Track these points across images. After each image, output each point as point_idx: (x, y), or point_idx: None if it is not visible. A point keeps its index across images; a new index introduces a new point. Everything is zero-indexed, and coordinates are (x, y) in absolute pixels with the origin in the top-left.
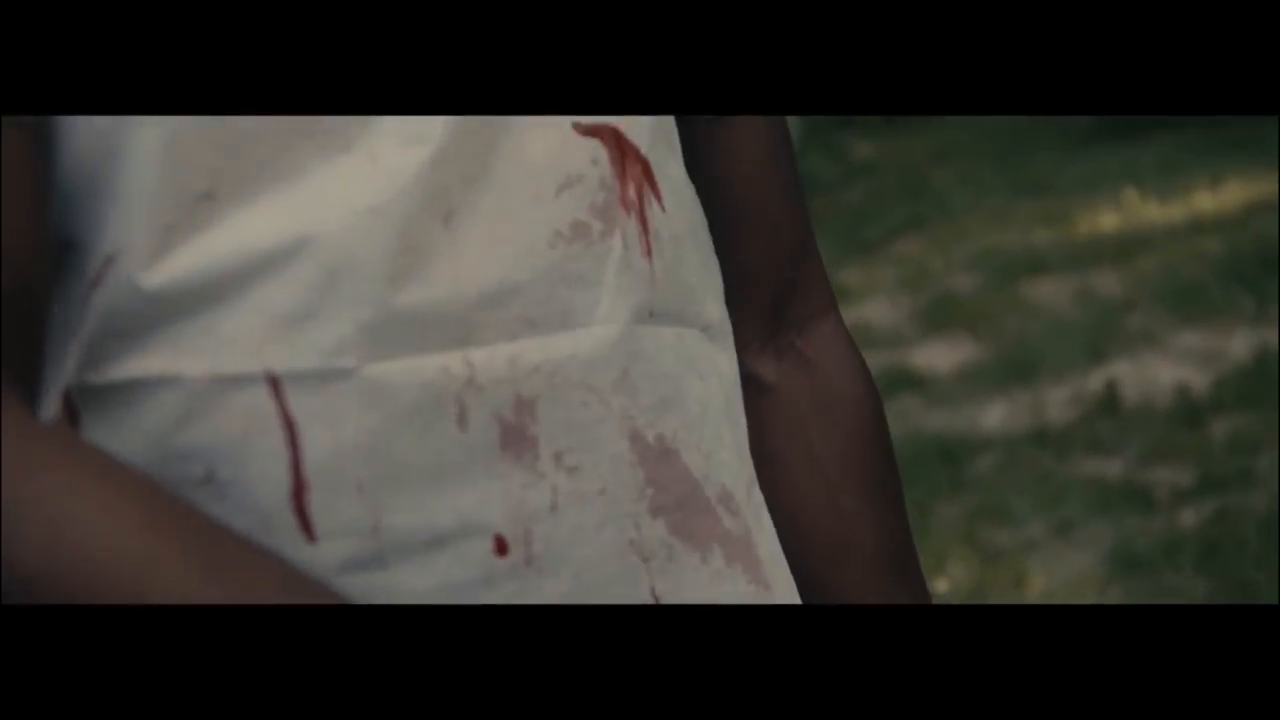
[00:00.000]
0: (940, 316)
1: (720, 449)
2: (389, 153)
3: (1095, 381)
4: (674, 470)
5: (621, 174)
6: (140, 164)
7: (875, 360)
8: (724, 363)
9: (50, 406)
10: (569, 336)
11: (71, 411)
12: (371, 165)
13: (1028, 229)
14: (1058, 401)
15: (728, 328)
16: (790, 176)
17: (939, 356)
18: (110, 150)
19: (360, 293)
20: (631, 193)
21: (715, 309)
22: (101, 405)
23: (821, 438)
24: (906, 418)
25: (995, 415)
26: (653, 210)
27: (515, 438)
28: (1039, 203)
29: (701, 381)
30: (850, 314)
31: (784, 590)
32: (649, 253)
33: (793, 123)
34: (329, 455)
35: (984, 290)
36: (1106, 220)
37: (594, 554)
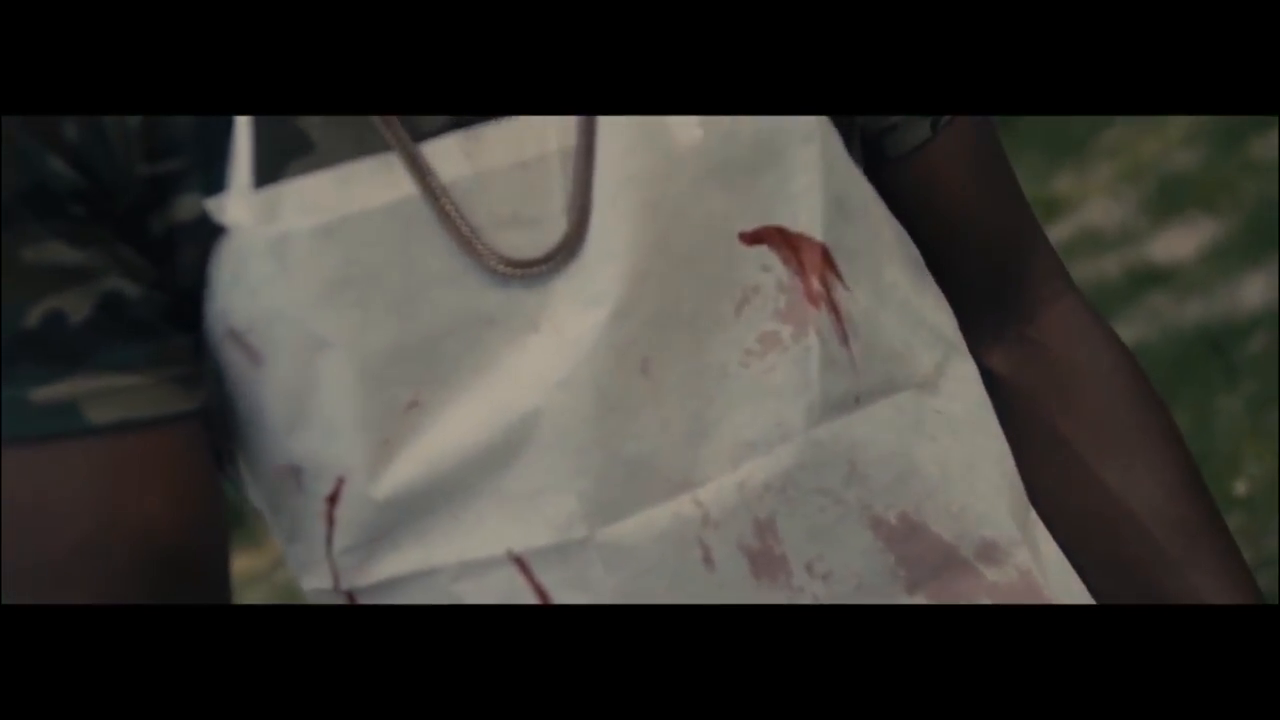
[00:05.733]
0: (1170, 201)
1: (974, 500)
2: (571, 320)
3: None
4: (924, 543)
5: (800, 269)
6: (338, 393)
7: (1111, 263)
8: (954, 406)
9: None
10: (789, 447)
11: None
12: (559, 338)
13: None
14: None
15: (955, 355)
16: (1000, 177)
17: (1179, 243)
18: (308, 383)
19: (576, 463)
20: (816, 284)
21: (927, 355)
22: (381, 601)
23: (1065, 418)
24: (1159, 316)
25: (1256, 291)
26: (840, 293)
27: (765, 561)
28: None
29: (932, 442)
30: (1072, 221)
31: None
32: (845, 340)
33: None
34: None
35: (1210, 162)
36: None
37: None
